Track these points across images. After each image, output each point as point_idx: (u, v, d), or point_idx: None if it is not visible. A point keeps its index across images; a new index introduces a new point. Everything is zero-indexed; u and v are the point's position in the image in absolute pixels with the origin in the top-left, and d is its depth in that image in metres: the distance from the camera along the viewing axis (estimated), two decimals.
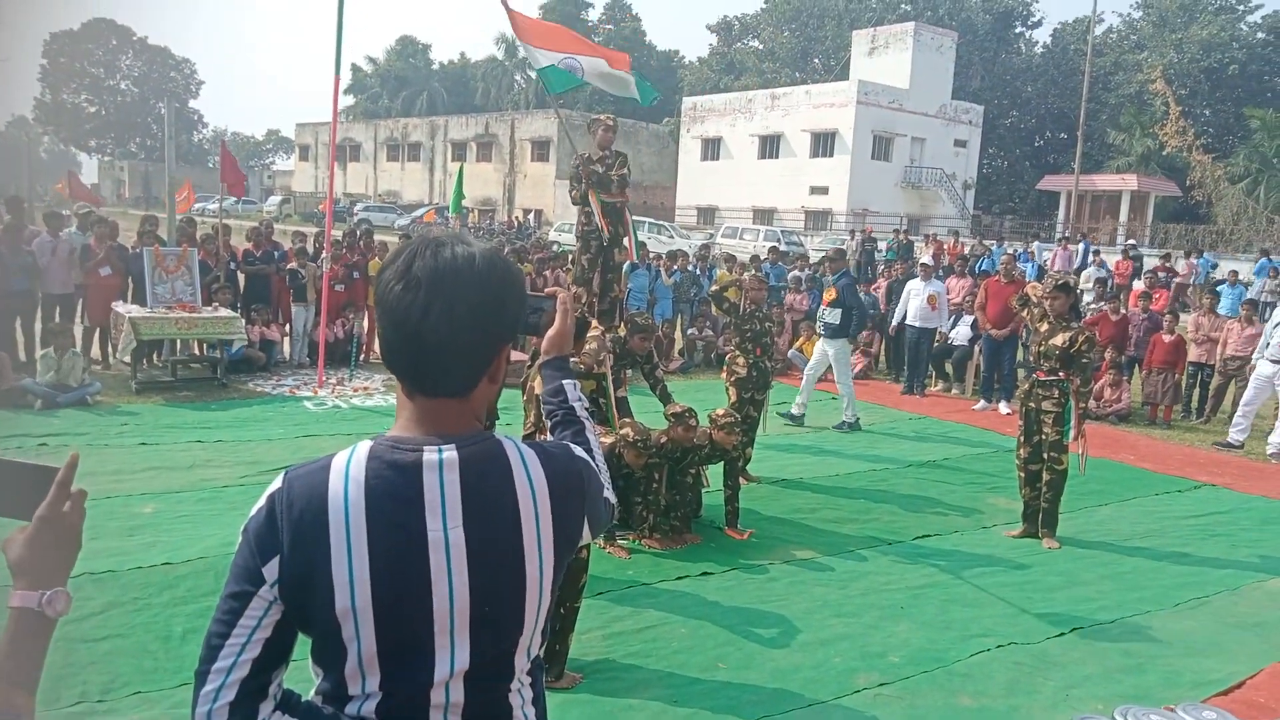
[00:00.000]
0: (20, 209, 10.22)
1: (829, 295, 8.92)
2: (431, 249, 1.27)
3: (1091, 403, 9.11)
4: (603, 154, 6.54)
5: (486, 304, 1.27)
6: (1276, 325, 9.25)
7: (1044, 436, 5.97)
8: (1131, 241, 27.91)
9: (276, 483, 1.27)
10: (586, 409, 1.63)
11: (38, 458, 1.18)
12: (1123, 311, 11.27)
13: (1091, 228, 36.87)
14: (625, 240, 6.75)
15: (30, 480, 1.17)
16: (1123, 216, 37.81)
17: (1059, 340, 5.87)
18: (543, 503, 1.32)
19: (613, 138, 6.51)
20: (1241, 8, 44.45)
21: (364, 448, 1.28)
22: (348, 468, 1.25)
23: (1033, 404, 6.04)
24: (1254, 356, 9.61)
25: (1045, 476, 6.01)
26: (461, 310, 1.25)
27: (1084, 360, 5.88)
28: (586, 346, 4.55)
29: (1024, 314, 6.33)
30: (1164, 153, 36.47)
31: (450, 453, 1.27)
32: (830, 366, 9.12)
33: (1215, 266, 22.12)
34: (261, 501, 1.26)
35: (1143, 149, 38.88)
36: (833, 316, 8.77)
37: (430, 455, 1.26)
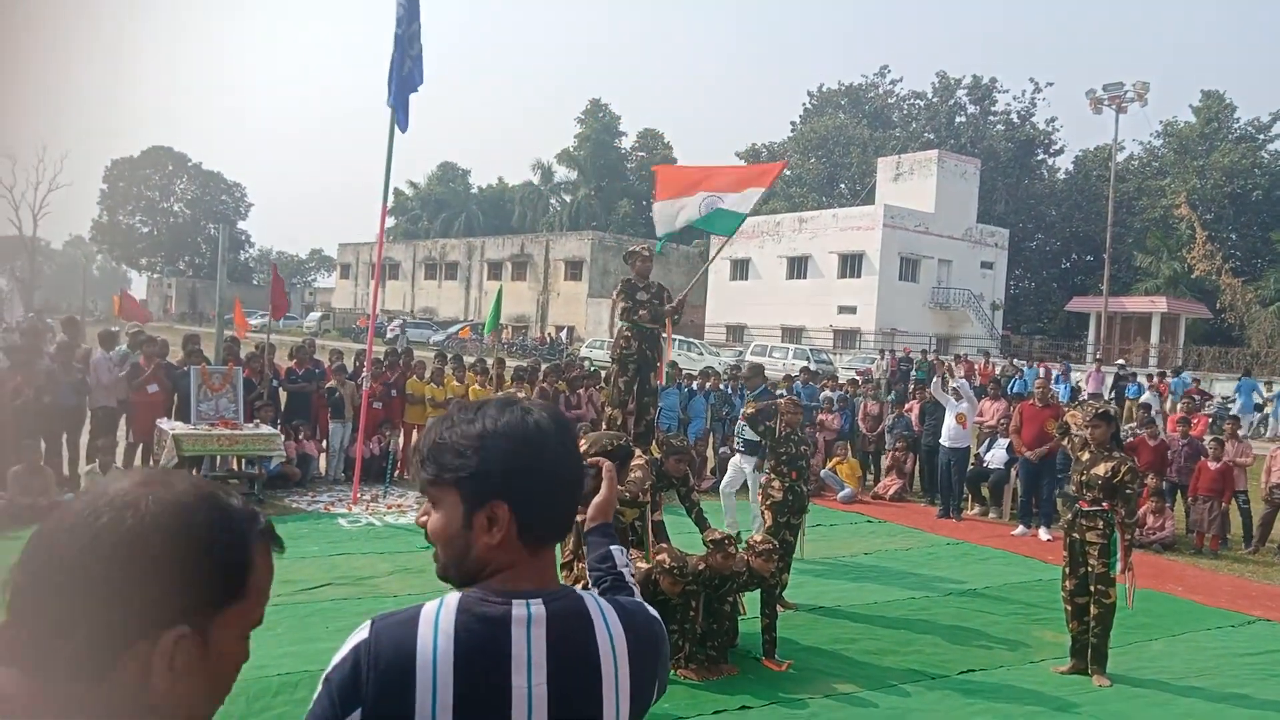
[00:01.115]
0: (76, 329, 10.63)
1: (750, 409, 8.84)
2: (520, 410, 1.35)
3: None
4: (644, 283, 6.74)
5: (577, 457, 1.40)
6: None
7: (1090, 569, 5.82)
8: (1120, 361, 27.93)
9: (363, 632, 1.26)
10: (634, 575, 1.69)
11: None
12: (1161, 437, 11.13)
13: (1123, 349, 36.78)
14: (659, 364, 6.90)
15: None
16: (1154, 338, 37.72)
17: (1101, 470, 5.80)
18: (622, 662, 1.33)
19: (651, 267, 6.73)
20: (1261, 136, 45.45)
21: (453, 599, 1.29)
22: (437, 620, 1.26)
23: (1077, 535, 5.91)
24: None
25: (1093, 610, 5.83)
26: (575, 457, 1.38)
27: (1128, 491, 5.79)
28: (631, 475, 4.59)
29: (1064, 442, 6.29)
30: (1192, 275, 36.64)
31: (538, 608, 1.28)
32: (745, 483, 8.92)
33: (1189, 384, 21.61)
34: (345, 651, 1.25)
35: (1170, 271, 39.15)
36: (752, 434, 8.59)
37: (519, 610, 1.27)
